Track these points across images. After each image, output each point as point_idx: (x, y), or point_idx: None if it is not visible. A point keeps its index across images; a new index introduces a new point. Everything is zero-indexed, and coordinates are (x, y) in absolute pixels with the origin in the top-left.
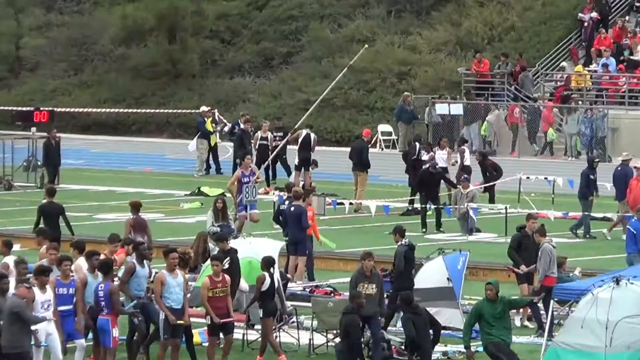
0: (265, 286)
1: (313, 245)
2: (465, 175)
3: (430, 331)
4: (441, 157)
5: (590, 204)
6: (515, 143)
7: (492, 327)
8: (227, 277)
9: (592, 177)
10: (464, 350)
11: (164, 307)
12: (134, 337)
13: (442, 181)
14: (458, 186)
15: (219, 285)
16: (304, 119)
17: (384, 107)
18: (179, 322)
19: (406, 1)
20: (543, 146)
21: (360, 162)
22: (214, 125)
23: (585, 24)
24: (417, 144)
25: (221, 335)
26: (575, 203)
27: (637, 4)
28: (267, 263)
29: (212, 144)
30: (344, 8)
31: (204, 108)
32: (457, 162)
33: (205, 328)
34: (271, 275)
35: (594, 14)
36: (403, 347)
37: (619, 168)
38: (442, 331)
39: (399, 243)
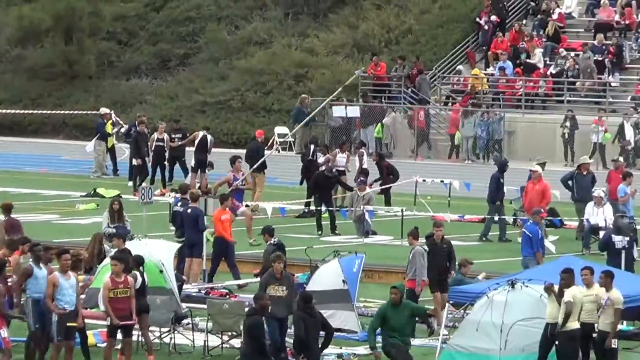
0: (137, 284)
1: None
2: (362, 178)
3: (322, 333)
4: (340, 160)
5: (500, 207)
6: (423, 146)
7: (394, 331)
8: (129, 278)
9: (502, 180)
10: (358, 353)
11: (56, 308)
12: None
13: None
14: (354, 189)
15: (120, 286)
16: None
17: (281, 109)
18: (71, 324)
19: (303, 3)
20: (450, 149)
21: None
22: (112, 127)
23: (486, 26)
24: (312, 146)
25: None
26: (471, 206)
27: (532, 3)
28: (137, 262)
29: (109, 146)
30: (241, 10)
31: (104, 110)
32: (349, 170)
33: (100, 329)
34: (142, 273)
35: (494, 17)
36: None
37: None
38: (338, 333)
39: (269, 242)
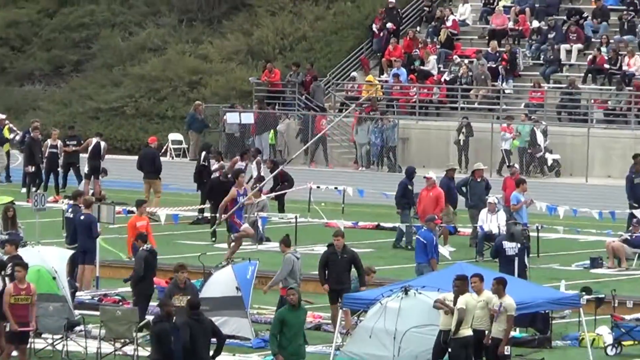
0: None
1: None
2: (257, 185)
3: (214, 340)
4: (240, 167)
5: (408, 213)
6: (327, 153)
7: (291, 336)
8: (32, 285)
9: (410, 187)
10: None
11: None
12: None
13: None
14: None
15: (22, 293)
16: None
17: (175, 115)
18: None
19: (197, 10)
20: (356, 156)
21: (154, 169)
22: (9, 132)
23: (381, 34)
24: (204, 153)
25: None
26: (365, 212)
27: (426, 9)
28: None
29: (5, 151)
30: (135, 16)
31: (0, 116)
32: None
33: None
34: (3, 279)
35: (389, 24)
36: None
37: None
38: (231, 340)
39: (141, 248)
